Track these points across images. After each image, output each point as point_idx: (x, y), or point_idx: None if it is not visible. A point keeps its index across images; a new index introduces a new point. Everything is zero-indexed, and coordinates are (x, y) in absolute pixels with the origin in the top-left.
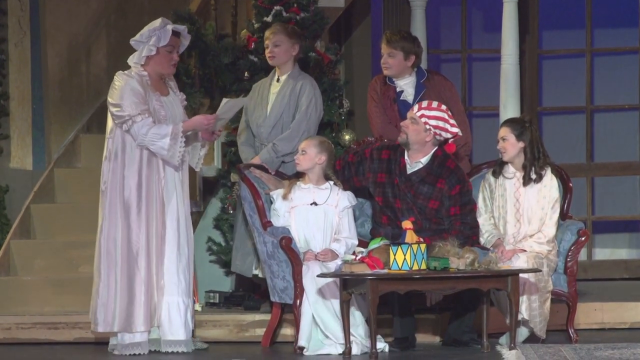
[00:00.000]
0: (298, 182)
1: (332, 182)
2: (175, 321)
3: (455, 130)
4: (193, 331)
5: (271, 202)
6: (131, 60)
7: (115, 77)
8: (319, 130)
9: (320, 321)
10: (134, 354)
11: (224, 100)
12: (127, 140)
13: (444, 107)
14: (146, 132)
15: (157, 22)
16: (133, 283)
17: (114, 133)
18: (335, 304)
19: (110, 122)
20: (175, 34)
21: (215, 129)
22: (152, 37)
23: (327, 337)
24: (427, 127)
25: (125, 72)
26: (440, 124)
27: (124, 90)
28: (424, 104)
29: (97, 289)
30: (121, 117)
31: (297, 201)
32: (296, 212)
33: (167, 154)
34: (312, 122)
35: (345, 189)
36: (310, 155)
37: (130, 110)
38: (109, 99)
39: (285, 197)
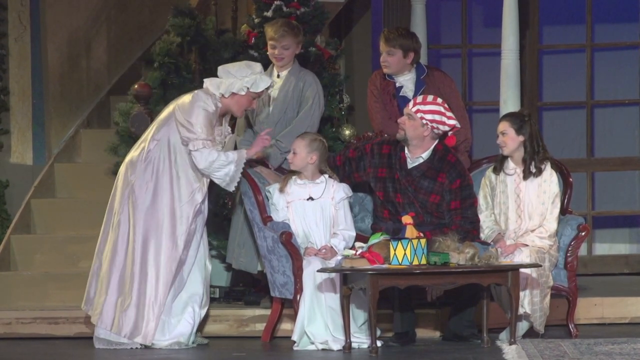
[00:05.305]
0: (294, 177)
1: (327, 176)
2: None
3: (453, 122)
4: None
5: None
6: (215, 88)
7: (197, 94)
8: (320, 125)
9: (329, 316)
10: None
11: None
12: (171, 149)
13: (439, 100)
14: (215, 158)
15: (258, 67)
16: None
17: (161, 138)
18: (334, 298)
19: (158, 123)
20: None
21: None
22: (248, 77)
23: (330, 332)
24: (424, 122)
25: (207, 96)
26: (437, 117)
27: (204, 112)
28: (419, 99)
29: (94, 271)
30: (190, 138)
31: (293, 196)
32: (293, 207)
33: (228, 180)
34: (315, 117)
35: (346, 184)
36: (301, 155)
37: (205, 135)
38: (183, 114)
39: (282, 190)
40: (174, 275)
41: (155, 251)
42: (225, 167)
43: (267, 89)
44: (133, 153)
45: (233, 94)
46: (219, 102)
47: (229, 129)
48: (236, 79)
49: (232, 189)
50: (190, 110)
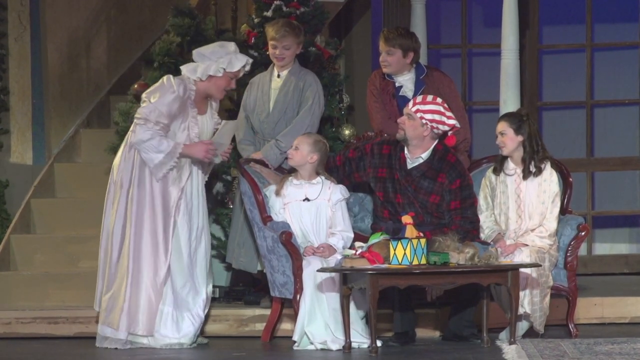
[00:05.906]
0: (290, 178)
1: (323, 177)
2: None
3: (452, 122)
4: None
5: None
6: (191, 72)
7: (166, 78)
8: (320, 125)
9: (330, 316)
10: (108, 348)
11: (222, 122)
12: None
13: (439, 100)
14: (147, 139)
15: (232, 46)
16: (127, 282)
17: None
18: (334, 298)
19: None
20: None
21: (216, 159)
22: (223, 58)
23: (331, 332)
24: (424, 121)
25: (177, 81)
26: (437, 117)
27: (164, 96)
28: (419, 99)
29: (100, 270)
30: (140, 112)
31: (289, 197)
32: (290, 208)
33: (152, 167)
34: (315, 117)
35: (346, 184)
36: (303, 153)
37: (150, 115)
38: (148, 91)
39: (277, 193)
40: (168, 262)
41: (146, 240)
42: (153, 153)
43: (244, 67)
44: (120, 148)
45: (210, 76)
46: (192, 86)
47: (218, 118)
48: (211, 61)
49: (157, 177)
50: (154, 92)
